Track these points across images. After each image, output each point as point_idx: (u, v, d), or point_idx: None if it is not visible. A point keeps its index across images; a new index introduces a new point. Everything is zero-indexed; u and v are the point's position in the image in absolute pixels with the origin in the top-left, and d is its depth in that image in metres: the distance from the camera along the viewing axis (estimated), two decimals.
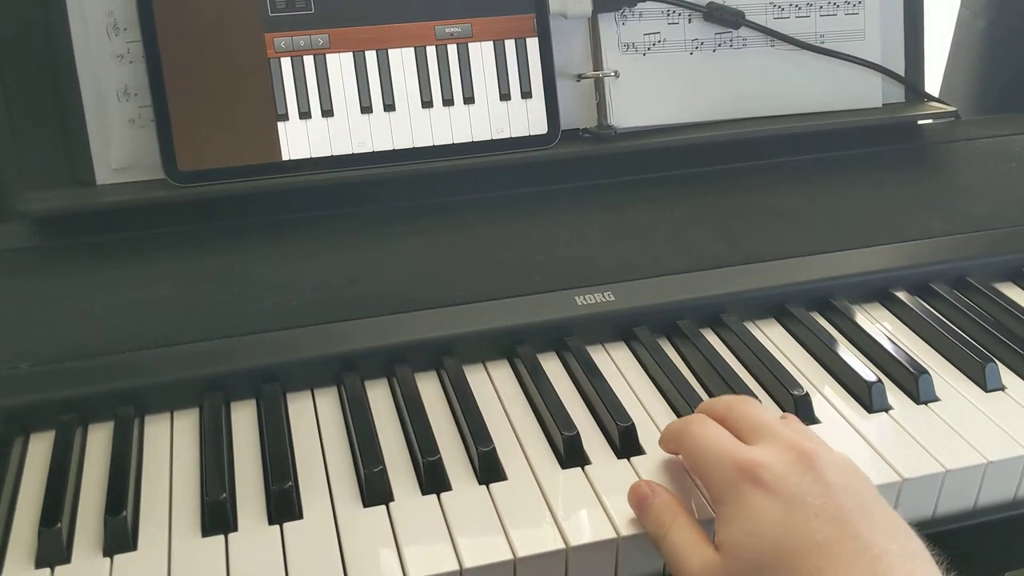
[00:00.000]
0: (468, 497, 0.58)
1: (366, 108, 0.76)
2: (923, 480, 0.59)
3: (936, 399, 0.66)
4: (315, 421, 0.65)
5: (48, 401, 0.64)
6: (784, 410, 0.65)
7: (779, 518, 0.48)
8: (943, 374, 0.69)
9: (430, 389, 0.68)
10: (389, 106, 0.77)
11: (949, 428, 0.63)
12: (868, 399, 0.65)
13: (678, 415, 0.65)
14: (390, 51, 0.76)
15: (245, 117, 0.74)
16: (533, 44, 0.79)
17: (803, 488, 0.49)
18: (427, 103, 0.77)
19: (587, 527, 0.55)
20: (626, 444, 0.61)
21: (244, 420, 0.65)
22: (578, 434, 0.61)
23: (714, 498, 0.52)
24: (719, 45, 0.84)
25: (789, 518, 0.48)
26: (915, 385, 0.66)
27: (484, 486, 0.59)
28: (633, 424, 0.62)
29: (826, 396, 0.67)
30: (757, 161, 0.85)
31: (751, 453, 0.51)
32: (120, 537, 0.55)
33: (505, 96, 0.79)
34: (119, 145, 0.74)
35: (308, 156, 0.75)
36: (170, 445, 0.63)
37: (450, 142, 0.78)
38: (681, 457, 0.57)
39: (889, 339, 0.72)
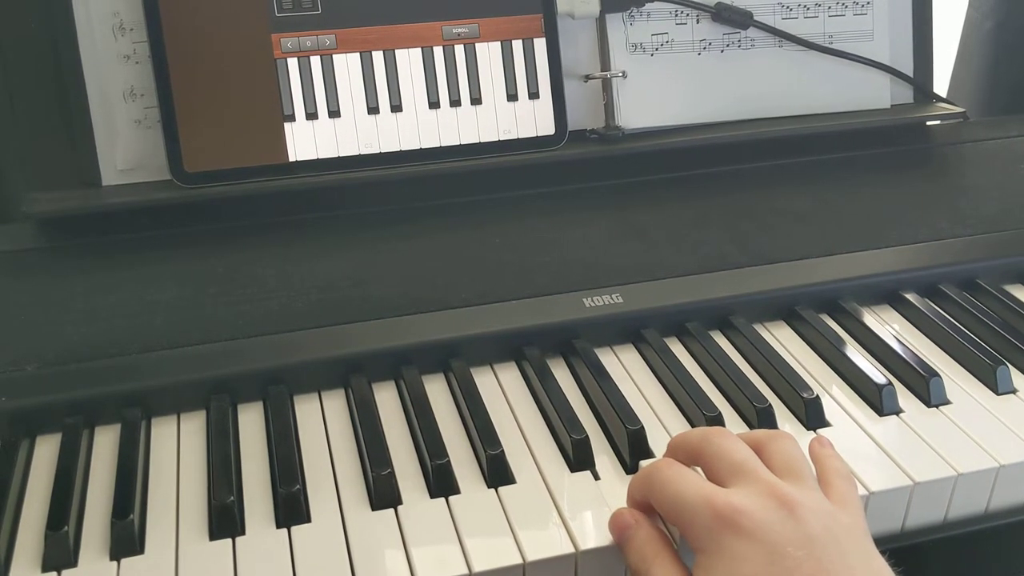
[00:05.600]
0: (477, 500, 0.57)
1: (373, 109, 0.76)
2: (935, 484, 0.59)
3: (947, 402, 0.66)
4: (322, 423, 0.65)
5: (54, 403, 0.63)
6: (794, 412, 0.65)
7: (761, 569, 0.47)
8: (954, 377, 0.69)
9: (438, 391, 0.67)
10: (396, 107, 0.76)
11: (960, 431, 0.63)
12: (879, 402, 0.65)
13: (687, 417, 0.65)
14: (397, 52, 0.76)
15: (251, 118, 0.74)
16: (540, 45, 0.79)
17: (785, 537, 0.47)
18: (434, 104, 0.77)
19: (596, 530, 0.55)
20: (635, 447, 0.61)
21: (251, 422, 0.65)
22: (587, 437, 0.60)
23: (693, 547, 0.49)
24: (727, 46, 0.84)
25: (771, 568, 0.46)
26: (926, 388, 0.66)
27: (493, 489, 0.58)
28: (642, 427, 0.61)
29: (836, 399, 0.67)
30: (765, 162, 0.85)
31: (730, 497, 0.49)
32: (127, 541, 0.54)
33: (512, 97, 0.78)
34: (125, 146, 0.74)
35: (315, 157, 0.75)
36: (177, 448, 0.63)
37: (457, 143, 0.77)
38: (654, 504, 0.53)
39: (899, 341, 0.71)
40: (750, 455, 0.52)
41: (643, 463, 0.59)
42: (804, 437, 0.63)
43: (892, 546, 0.59)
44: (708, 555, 0.48)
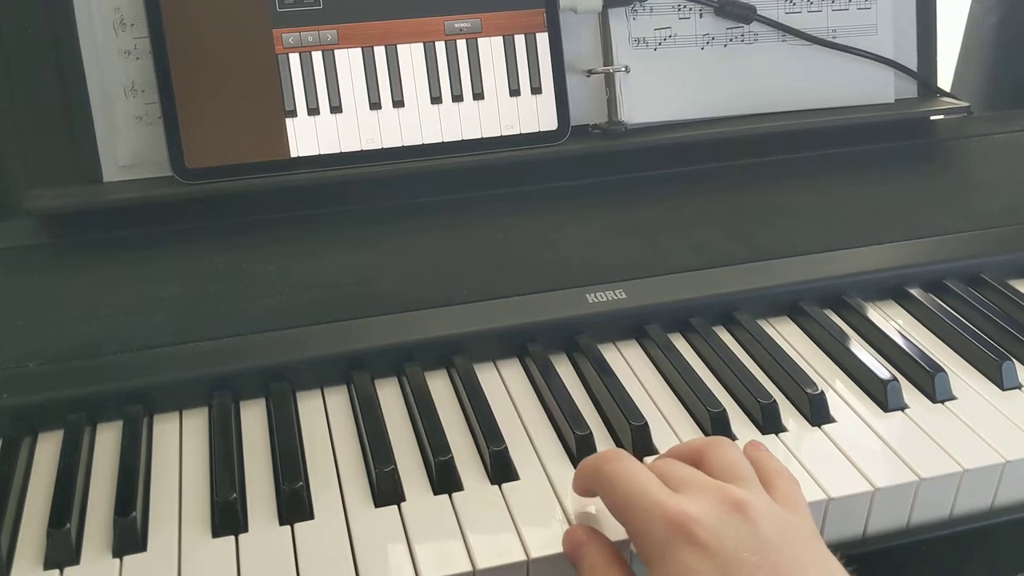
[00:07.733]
0: (480, 497, 0.57)
1: (375, 104, 0.76)
2: (941, 480, 0.59)
3: (952, 398, 0.66)
4: (325, 420, 0.64)
5: (56, 400, 0.63)
6: (798, 408, 0.65)
7: None
8: (959, 372, 0.68)
9: (440, 388, 0.67)
10: (398, 102, 0.76)
11: (966, 427, 0.63)
12: (884, 398, 0.65)
13: (691, 414, 0.64)
14: (399, 47, 0.76)
15: (253, 114, 0.74)
16: (543, 39, 0.78)
17: (739, 544, 0.46)
18: (436, 99, 0.77)
19: (600, 527, 0.55)
20: (639, 444, 0.61)
21: (253, 419, 0.65)
22: (591, 433, 0.60)
23: (643, 556, 0.48)
24: (730, 40, 0.84)
25: None
26: (931, 384, 0.65)
27: (496, 486, 0.58)
28: (646, 423, 0.61)
29: (841, 394, 0.66)
30: (768, 157, 0.84)
31: (683, 505, 0.47)
32: (130, 538, 0.54)
33: (515, 92, 0.78)
34: (126, 142, 0.74)
35: (316, 153, 0.75)
36: (179, 445, 0.62)
37: (459, 138, 0.77)
38: (601, 497, 0.52)
39: (904, 337, 0.71)
40: (694, 471, 0.51)
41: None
42: (808, 433, 0.62)
43: (897, 543, 0.59)
44: (661, 568, 0.47)
